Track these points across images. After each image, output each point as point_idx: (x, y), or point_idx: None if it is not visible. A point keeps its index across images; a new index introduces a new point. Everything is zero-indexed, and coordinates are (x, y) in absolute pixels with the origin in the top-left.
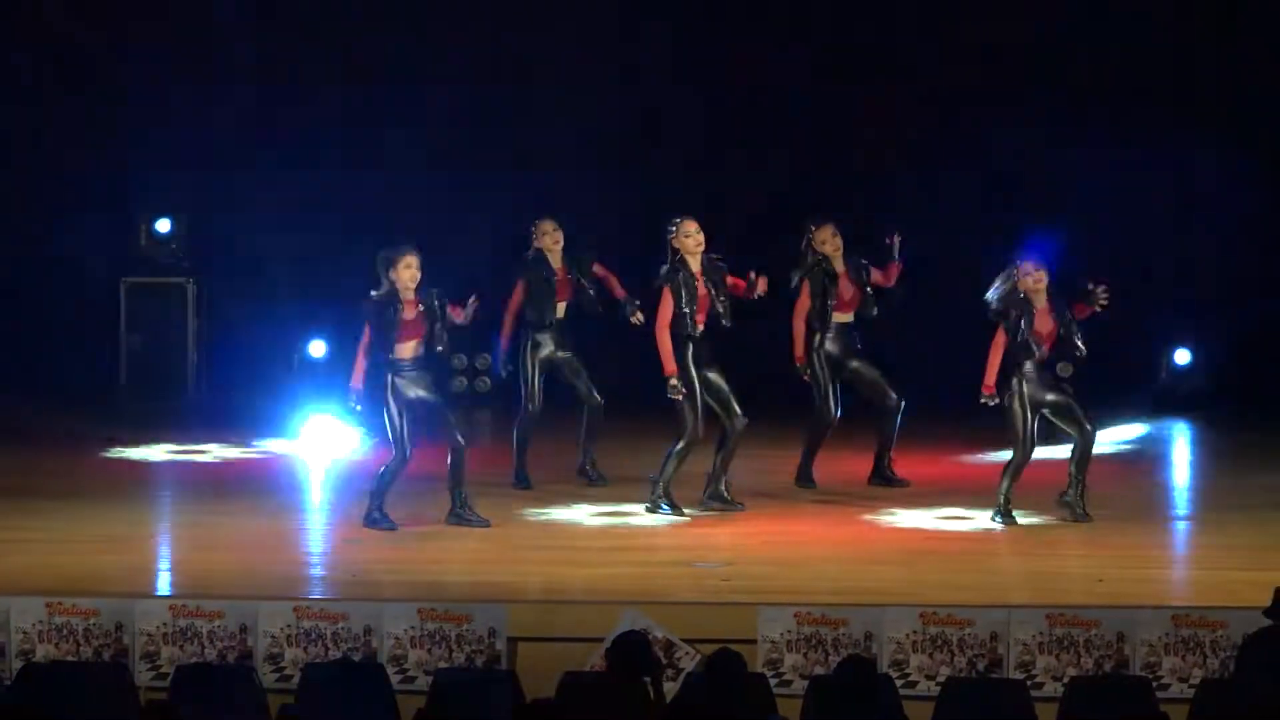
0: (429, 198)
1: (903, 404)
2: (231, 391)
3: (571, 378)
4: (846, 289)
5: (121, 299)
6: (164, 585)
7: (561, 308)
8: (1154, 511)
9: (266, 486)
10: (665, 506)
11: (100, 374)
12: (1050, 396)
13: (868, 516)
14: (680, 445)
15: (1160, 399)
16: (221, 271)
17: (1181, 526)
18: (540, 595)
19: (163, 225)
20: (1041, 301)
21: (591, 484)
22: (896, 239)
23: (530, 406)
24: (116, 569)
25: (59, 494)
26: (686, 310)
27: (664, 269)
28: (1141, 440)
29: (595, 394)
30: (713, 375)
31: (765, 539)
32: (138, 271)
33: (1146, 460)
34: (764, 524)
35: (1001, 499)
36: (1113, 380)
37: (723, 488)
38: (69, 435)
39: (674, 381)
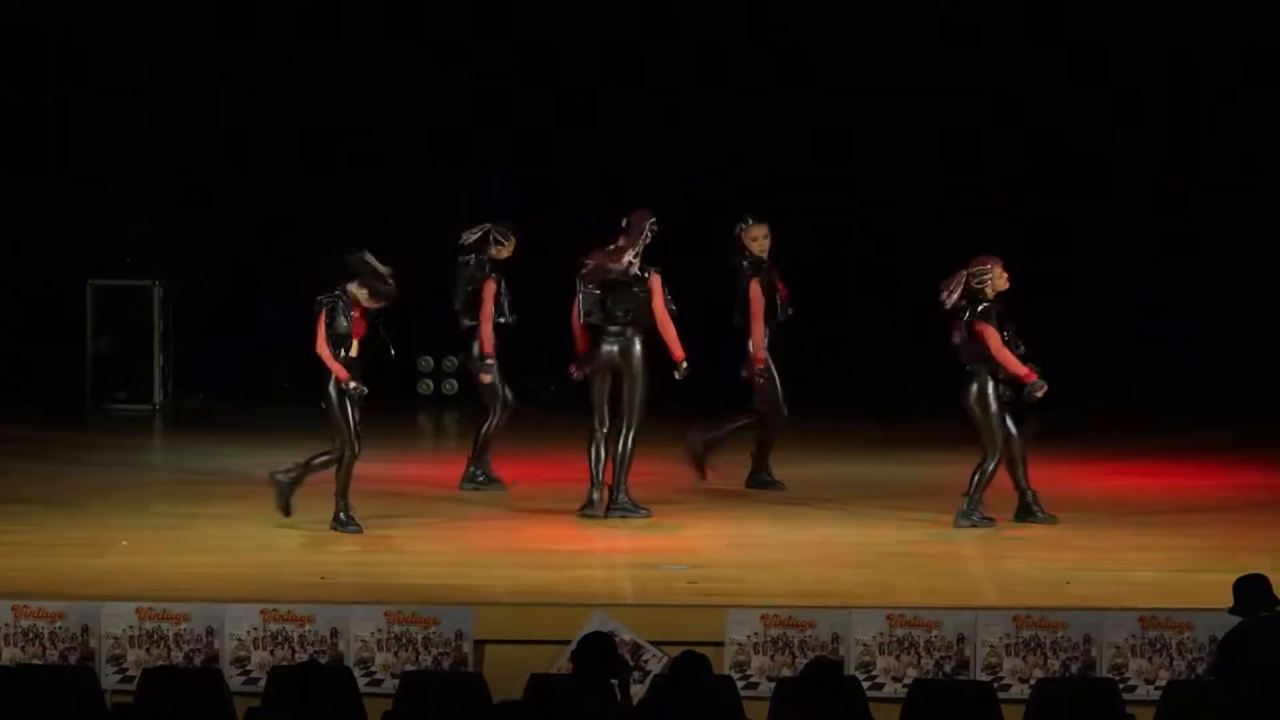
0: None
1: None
2: (198, 394)
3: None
4: (782, 289)
5: (88, 301)
6: (130, 588)
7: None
8: (1120, 513)
9: (234, 490)
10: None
11: (67, 377)
12: (1008, 396)
13: (833, 519)
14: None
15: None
16: (188, 273)
17: (1150, 527)
18: (507, 598)
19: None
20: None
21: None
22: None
23: (502, 409)
24: (83, 572)
25: (24, 497)
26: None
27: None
28: (1104, 439)
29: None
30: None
31: (732, 542)
32: (104, 274)
33: (1112, 459)
34: (731, 527)
35: (973, 500)
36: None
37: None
38: (35, 438)
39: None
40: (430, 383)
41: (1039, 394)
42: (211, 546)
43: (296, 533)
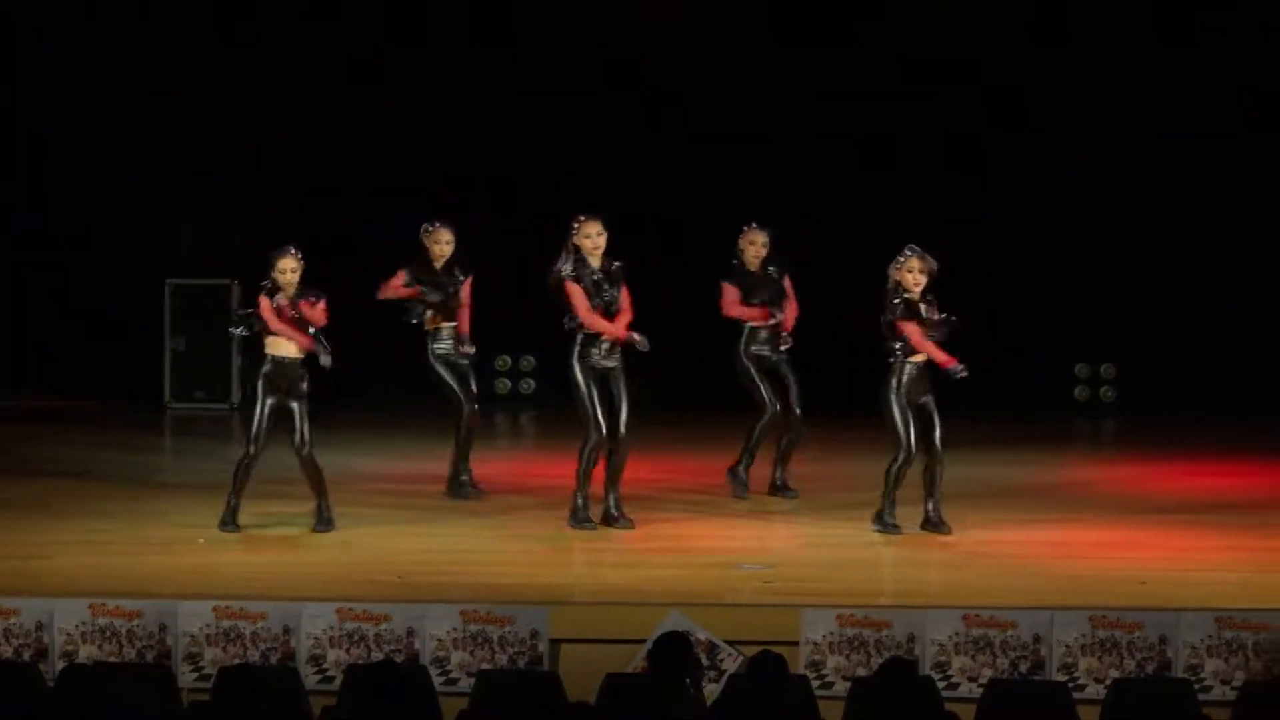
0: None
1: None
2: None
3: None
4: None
5: (166, 301)
6: (208, 587)
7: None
8: (1198, 513)
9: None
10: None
11: (145, 376)
12: (923, 399)
13: (911, 517)
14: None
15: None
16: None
17: (1225, 527)
18: (583, 597)
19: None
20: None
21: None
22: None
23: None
24: (160, 570)
25: (102, 495)
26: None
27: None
28: (1182, 438)
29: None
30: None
31: (808, 541)
32: (182, 273)
33: (1188, 459)
34: (807, 526)
35: (886, 503)
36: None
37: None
38: (113, 437)
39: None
40: (507, 381)
41: (959, 376)
42: (288, 545)
43: (373, 531)
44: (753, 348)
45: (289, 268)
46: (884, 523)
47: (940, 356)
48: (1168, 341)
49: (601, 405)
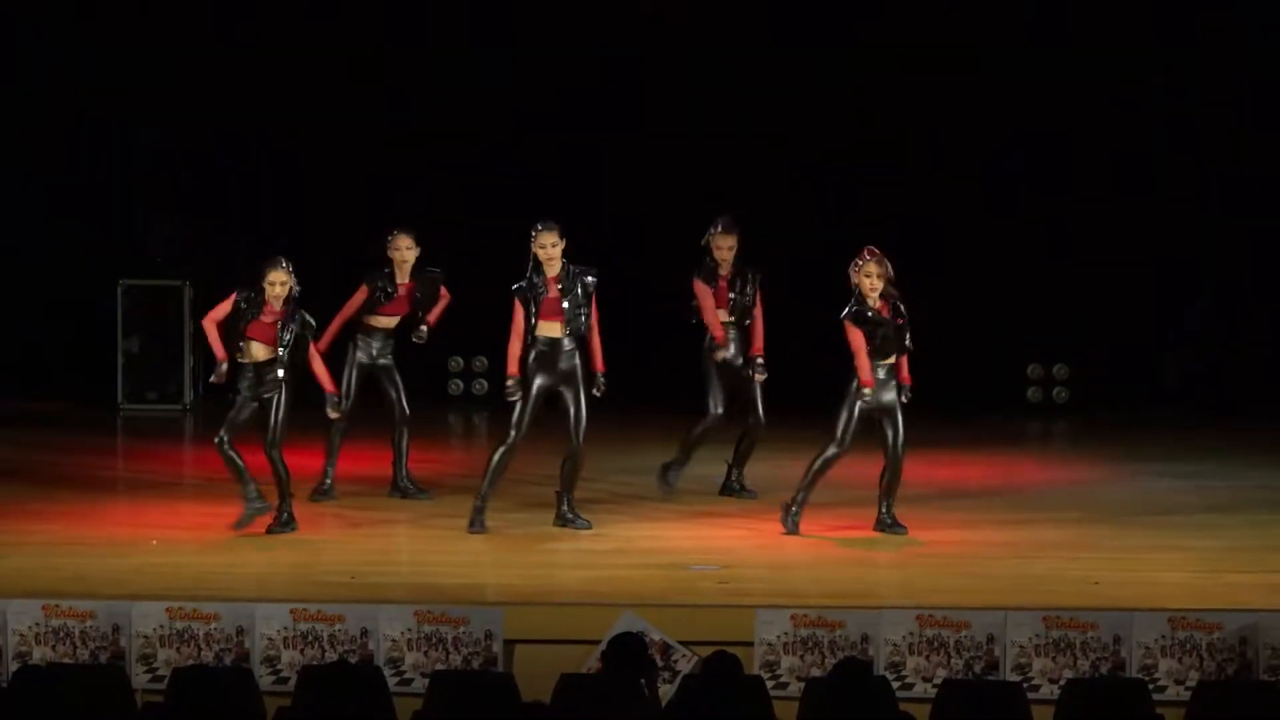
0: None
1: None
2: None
3: (387, 387)
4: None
5: (119, 301)
6: (161, 587)
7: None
8: (1149, 513)
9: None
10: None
11: (98, 377)
12: (885, 400)
13: (861, 519)
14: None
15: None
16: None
17: (1178, 527)
18: (537, 597)
19: (159, 227)
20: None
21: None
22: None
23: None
24: (113, 571)
25: (56, 496)
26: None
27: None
28: (1135, 439)
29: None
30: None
31: (761, 541)
32: (135, 273)
33: (1141, 460)
34: (760, 526)
35: (799, 496)
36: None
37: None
38: (66, 438)
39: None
40: (460, 383)
41: (862, 399)
42: (241, 546)
43: (326, 532)
44: (719, 353)
45: (278, 280)
46: (789, 514)
47: (863, 374)
48: (1121, 341)
49: (532, 412)
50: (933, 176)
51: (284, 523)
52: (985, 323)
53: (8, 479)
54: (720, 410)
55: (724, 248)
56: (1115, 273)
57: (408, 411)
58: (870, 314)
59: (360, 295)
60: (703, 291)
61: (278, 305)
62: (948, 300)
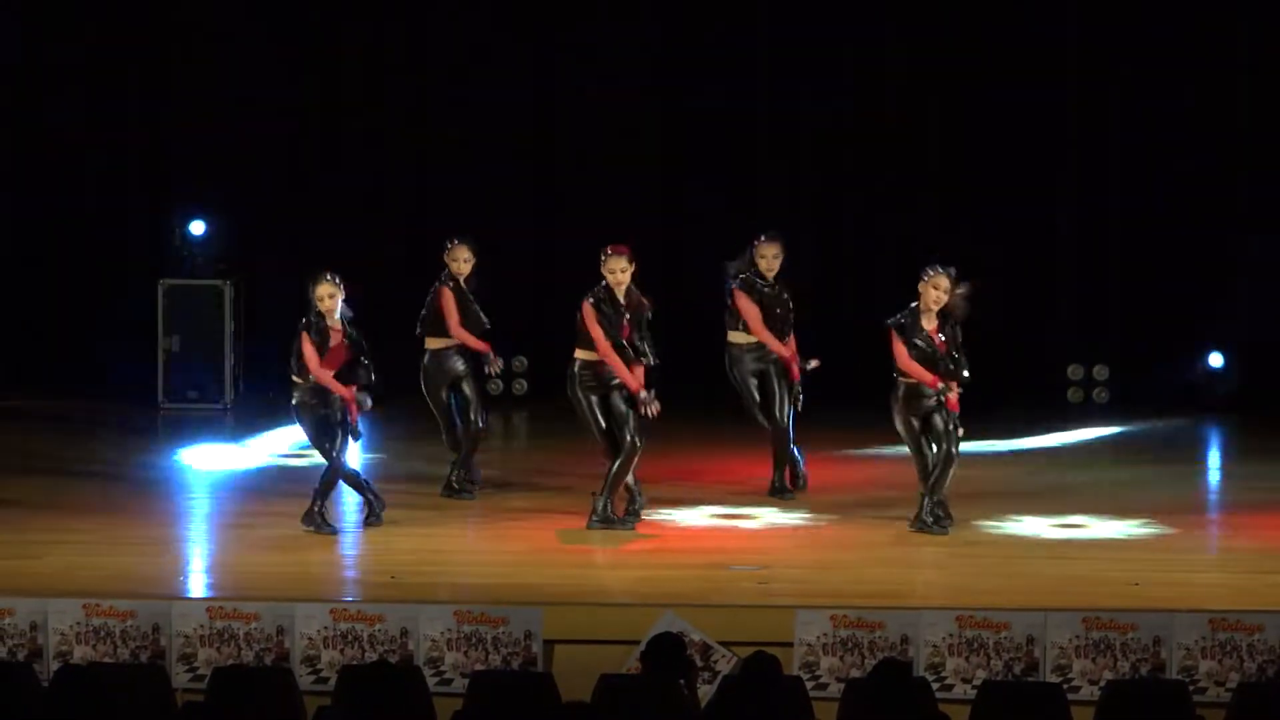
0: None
1: None
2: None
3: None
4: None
5: (159, 300)
6: (201, 587)
7: None
8: (1189, 514)
9: (303, 489)
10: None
11: (137, 376)
12: (929, 406)
13: (902, 520)
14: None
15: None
16: (259, 272)
17: (1217, 529)
18: (577, 597)
19: (197, 227)
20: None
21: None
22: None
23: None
24: (154, 570)
25: (97, 495)
26: None
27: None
28: (1176, 442)
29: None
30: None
31: (802, 542)
32: (175, 273)
33: (1182, 462)
34: (800, 527)
35: (928, 504)
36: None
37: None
38: (107, 437)
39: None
40: (500, 383)
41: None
42: (282, 545)
43: (366, 533)
44: (749, 361)
45: (326, 294)
46: (924, 523)
47: (926, 377)
48: (1162, 343)
49: (605, 419)
50: (968, 177)
51: (323, 522)
52: (1027, 324)
53: (48, 477)
54: (778, 413)
55: (769, 256)
56: (1157, 274)
57: (480, 425)
58: (916, 326)
59: (452, 305)
60: (746, 305)
61: (334, 320)
62: (989, 302)
